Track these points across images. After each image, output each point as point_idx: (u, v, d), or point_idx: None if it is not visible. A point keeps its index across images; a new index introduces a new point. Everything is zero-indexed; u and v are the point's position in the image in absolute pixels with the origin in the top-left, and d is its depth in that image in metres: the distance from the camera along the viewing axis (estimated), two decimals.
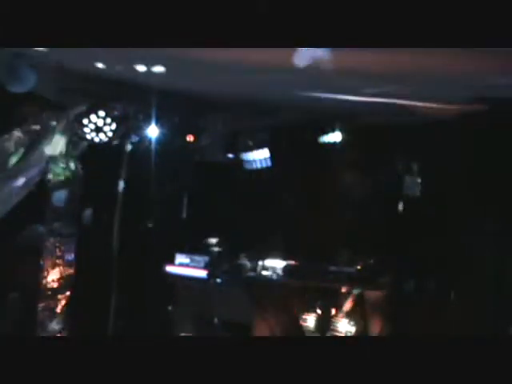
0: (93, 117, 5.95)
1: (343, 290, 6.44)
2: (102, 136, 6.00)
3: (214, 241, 6.98)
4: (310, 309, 6.46)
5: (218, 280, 6.56)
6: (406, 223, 6.51)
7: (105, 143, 6.08)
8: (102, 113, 5.97)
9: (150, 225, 7.26)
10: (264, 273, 6.48)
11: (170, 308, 7.08)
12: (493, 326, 5.77)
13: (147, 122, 6.47)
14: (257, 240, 6.94)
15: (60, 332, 6.19)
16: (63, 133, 6.10)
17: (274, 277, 6.36)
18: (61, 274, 6.25)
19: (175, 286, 7.02)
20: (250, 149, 7.17)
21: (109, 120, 5.99)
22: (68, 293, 6.28)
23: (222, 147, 7.24)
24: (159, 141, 6.62)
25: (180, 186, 7.39)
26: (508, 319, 5.73)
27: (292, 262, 6.43)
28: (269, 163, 7.08)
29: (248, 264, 6.57)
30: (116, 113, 6.05)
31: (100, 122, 5.96)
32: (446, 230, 6.29)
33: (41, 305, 6.20)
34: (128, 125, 6.26)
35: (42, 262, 6.20)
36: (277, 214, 7.24)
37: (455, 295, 6.18)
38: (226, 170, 7.40)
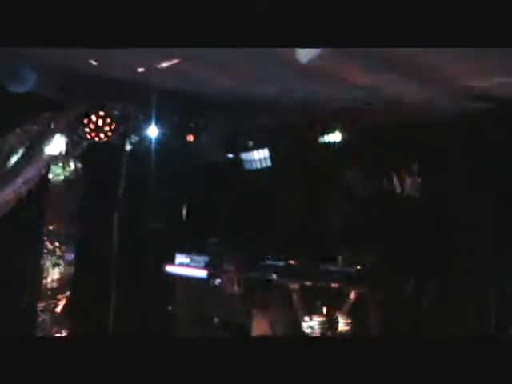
0: (93, 117, 5.96)
1: (343, 290, 6.43)
2: (101, 136, 6.01)
3: (214, 241, 6.99)
4: (310, 309, 6.45)
5: (218, 280, 6.56)
6: (406, 223, 6.50)
7: (105, 143, 6.08)
8: (102, 113, 5.97)
9: (150, 225, 7.25)
10: (264, 273, 6.47)
11: (169, 308, 7.08)
12: (493, 326, 5.77)
13: (147, 122, 6.47)
14: (256, 240, 6.94)
15: (60, 332, 6.20)
16: (63, 133, 6.10)
17: (274, 277, 6.36)
18: (61, 274, 6.25)
19: (175, 285, 7.03)
20: (250, 149, 7.17)
21: (109, 120, 5.99)
22: (68, 293, 6.29)
23: (221, 147, 7.24)
24: (159, 141, 6.62)
25: (180, 186, 7.38)
26: (508, 319, 5.73)
27: (292, 262, 6.43)
28: (269, 163, 7.08)
29: (248, 264, 6.57)
30: (116, 113, 6.06)
31: (100, 122, 5.97)
32: (446, 230, 6.29)
33: (41, 305, 6.20)
34: (128, 125, 6.26)
35: (42, 262, 6.21)
36: (277, 214, 7.24)
37: (455, 295, 6.17)
38: (226, 170, 7.39)
